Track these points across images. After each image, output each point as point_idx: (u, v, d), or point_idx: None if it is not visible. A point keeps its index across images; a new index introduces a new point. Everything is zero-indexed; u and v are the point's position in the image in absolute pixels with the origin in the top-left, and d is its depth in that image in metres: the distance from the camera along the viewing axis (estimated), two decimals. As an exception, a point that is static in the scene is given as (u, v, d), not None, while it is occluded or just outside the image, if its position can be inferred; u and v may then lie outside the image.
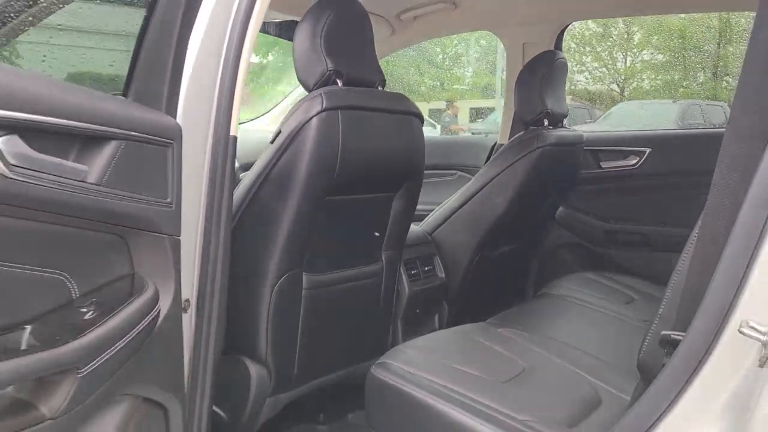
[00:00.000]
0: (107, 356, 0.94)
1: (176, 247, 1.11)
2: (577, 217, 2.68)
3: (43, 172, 0.86)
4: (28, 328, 0.90)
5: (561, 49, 2.69)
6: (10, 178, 0.82)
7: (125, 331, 0.97)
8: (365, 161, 1.61)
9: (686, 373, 0.87)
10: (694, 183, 2.46)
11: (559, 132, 2.27)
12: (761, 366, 0.76)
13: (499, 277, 2.46)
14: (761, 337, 0.75)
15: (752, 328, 0.78)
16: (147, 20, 1.12)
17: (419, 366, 1.42)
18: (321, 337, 1.70)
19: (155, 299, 1.05)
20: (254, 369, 1.56)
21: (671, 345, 0.96)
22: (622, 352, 1.72)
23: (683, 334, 0.91)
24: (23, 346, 0.88)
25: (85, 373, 0.90)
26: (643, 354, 1.12)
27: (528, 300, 2.61)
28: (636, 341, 1.84)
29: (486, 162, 2.89)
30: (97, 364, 0.92)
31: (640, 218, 2.58)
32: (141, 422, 1.07)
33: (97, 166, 0.95)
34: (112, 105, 0.99)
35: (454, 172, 3.10)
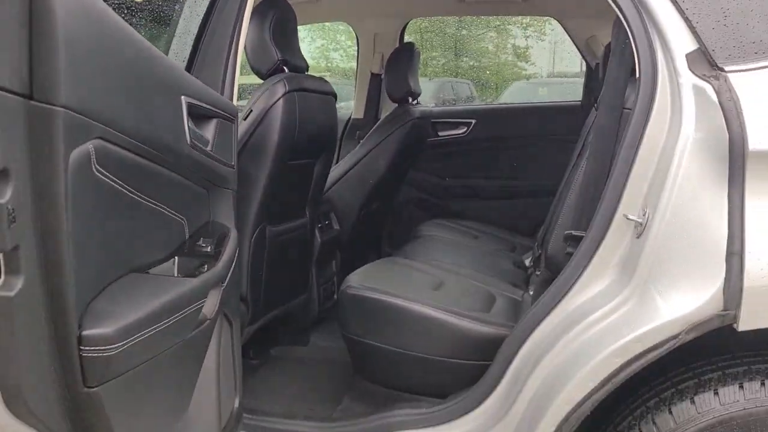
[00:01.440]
0: (229, 275, 1.28)
1: (233, 199, 1.45)
2: (422, 177, 3.30)
3: (196, 142, 1.18)
4: (176, 258, 1.21)
5: (404, 41, 3.26)
6: (189, 145, 1.13)
7: (232, 258, 1.32)
8: (309, 132, 2.01)
9: (590, 252, 1.46)
10: (507, 145, 3.23)
11: (420, 107, 2.84)
12: (637, 237, 1.38)
13: (372, 228, 2.99)
14: (638, 219, 1.37)
15: (631, 218, 1.39)
16: (209, 13, 1.42)
17: (375, 283, 1.89)
18: (274, 278, 2.08)
19: (237, 239, 1.39)
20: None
21: (574, 239, 1.57)
22: (491, 268, 2.37)
23: (584, 232, 1.51)
24: (176, 272, 1.19)
25: (224, 285, 1.24)
26: (550, 251, 1.73)
27: (390, 246, 3.18)
28: (495, 261, 2.51)
29: (342, 133, 3.38)
30: (227, 280, 1.26)
31: (470, 174, 3.28)
32: (224, 335, 1.41)
33: (209, 136, 1.27)
34: (214, 92, 1.30)
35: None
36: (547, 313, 1.50)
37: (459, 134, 3.26)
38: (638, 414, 1.37)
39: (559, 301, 1.48)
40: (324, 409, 1.84)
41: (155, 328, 0.90)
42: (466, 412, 1.56)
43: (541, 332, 1.50)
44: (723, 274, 1.23)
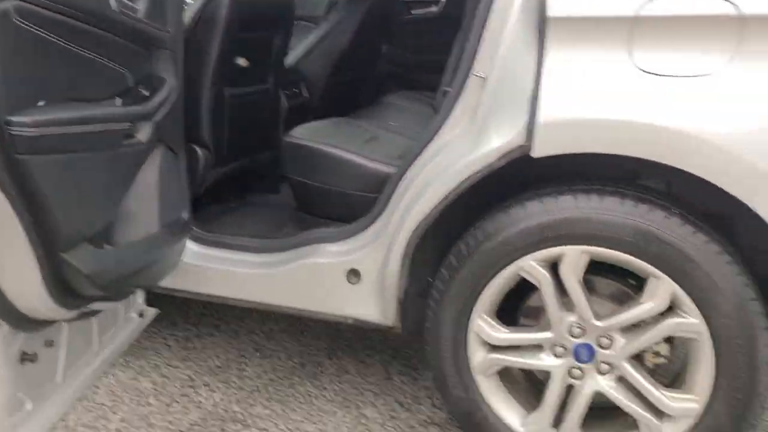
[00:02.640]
0: (161, 113, 1.73)
1: (173, 57, 1.87)
2: (396, 52, 3.62)
3: (124, 9, 1.59)
4: (118, 98, 1.66)
5: None
6: (115, 11, 1.55)
7: (164, 100, 1.76)
8: (259, 8, 2.38)
9: (451, 104, 1.83)
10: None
11: None
12: (482, 89, 1.75)
13: (345, 99, 3.38)
14: (483, 75, 1.73)
15: (478, 75, 1.76)
16: None
17: (316, 135, 2.32)
18: (237, 132, 2.53)
19: (172, 86, 1.83)
20: (200, 150, 2.37)
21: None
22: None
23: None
24: (119, 104, 1.64)
25: (154, 120, 1.70)
26: (435, 105, 2.11)
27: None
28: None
29: (325, 11, 3.70)
30: (159, 117, 1.71)
31: (440, 50, 3.58)
32: (167, 160, 1.87)
33: (140, 5, 1.68)
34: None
35: (298, 21, 3.86)
36: (421, 151, 1.90)
37: (431, 12, 3.54)
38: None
39: (429, 141, 1.88)
40: (268, 231, 2.34)
41: (70, 129, 1.37)
42: (360, 232, 2.01)
43: (416, 165, 1.91)
44: (526, 114, 1.62)
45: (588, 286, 1.84)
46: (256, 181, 2.92)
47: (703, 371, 1.63)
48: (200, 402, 2.23)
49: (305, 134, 2.32)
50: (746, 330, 1.54)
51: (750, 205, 1.48)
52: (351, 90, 3.40)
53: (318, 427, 2.12)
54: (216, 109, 2.36)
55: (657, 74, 1.54)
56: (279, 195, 2.95)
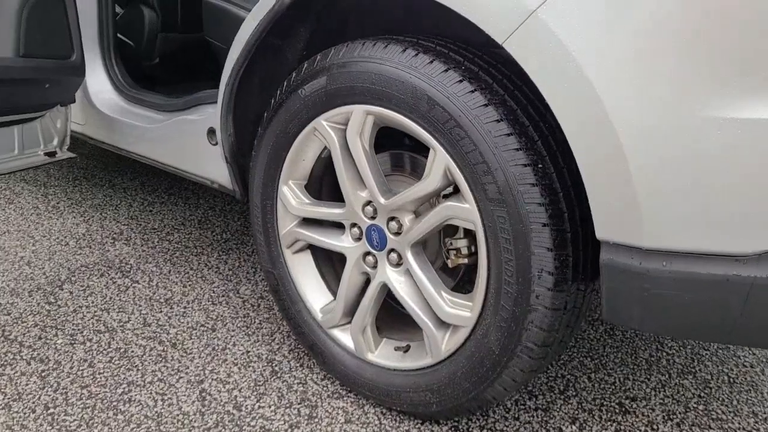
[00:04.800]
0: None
1: None
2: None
3: None
4: None
5: None
6: None
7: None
8: None
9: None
10: None
11: None
12: None
13: None
14: None
15: None
16: None
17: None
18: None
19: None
20: (146, 11, 2.39)
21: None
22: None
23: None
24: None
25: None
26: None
27: None
28: None
29: None
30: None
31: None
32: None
33: None
34: None
35: None
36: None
37: None
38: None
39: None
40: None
41: None
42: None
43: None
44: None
45: (413, 163, 1.57)
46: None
47: (481, 273, 1.30)
48: (107, 250, 2.33)
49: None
50: (516, 223, 1.19)
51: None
52: None
53: (185, 290, 2.10)
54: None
55: None
56: None
